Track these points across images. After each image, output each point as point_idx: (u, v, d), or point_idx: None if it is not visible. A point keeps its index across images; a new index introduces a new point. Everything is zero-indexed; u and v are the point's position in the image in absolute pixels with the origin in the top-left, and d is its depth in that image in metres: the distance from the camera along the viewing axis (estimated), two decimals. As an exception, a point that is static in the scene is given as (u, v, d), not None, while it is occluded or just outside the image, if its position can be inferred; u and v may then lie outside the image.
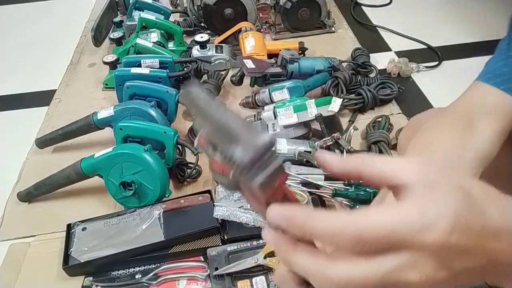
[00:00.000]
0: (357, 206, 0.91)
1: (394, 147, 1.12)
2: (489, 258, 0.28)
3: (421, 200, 0.27)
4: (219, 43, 1.50)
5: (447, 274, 0.27)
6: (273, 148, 0.31)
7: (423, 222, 0.25)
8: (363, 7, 1.88)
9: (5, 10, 2.13)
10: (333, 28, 1.66)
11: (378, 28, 1.72)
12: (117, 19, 1.62)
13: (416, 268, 0.26)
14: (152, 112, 1.07)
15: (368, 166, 0.30)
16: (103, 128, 1.12)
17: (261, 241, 0.87)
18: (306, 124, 1.10)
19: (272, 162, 0.28)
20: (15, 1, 2.18)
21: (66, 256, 0.86)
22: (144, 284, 0.84)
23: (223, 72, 1.36)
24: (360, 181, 0.92)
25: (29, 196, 1.04)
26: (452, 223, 0.25)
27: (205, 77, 1.35)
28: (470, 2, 1.80)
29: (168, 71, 1.21)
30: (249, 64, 1.27)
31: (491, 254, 0.28)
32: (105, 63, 1.34)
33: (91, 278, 0.85)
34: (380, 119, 1.17)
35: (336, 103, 1.08)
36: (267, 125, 1.11)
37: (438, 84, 1.38)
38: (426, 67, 1.45)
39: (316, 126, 1.10)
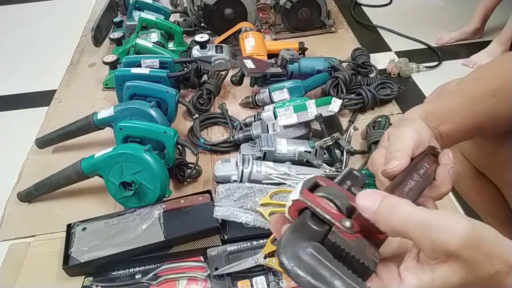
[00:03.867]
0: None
1: (394, 147, 1.12)
2: None
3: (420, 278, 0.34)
4: (219, 43, 1.50)
5: None
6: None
7: None
8: (363, 7, 1.88)
9: (5, 10, 2.13)
10: (333, 28, 1.67)
11: (378, 28, 1.72)
12: (117, 19, 1.63)
13: None
14: (152, 112, 1.07)
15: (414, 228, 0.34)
16: (103, 128, 1.12)
17: (261, 241, 0.87)
18: (306, 124, 1.10)
19: None
20: (15, 1, 2.18)
21: (66, 256, 0.86)
22: (144, 284, 0.83)
23: (223, 72, 1.36)
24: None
25: (29, 196, 1.04)
26: None
27: (205, 77, 1.36)
28: (470, 2, 1.80)
29: (168, 71, 1.21)
30: (249, 64, 1.27)
31: None
32: (105, 63, 1.34)
33: (91, 278, 0.85)
34: (380, 119, 1.17)
35: (336, 103, 1.08)
36: (267, 125, 1.11)
37: (438, 84, 1.37)
38: (426, 67, 1.45)
39: (316, 126, 1.09)
